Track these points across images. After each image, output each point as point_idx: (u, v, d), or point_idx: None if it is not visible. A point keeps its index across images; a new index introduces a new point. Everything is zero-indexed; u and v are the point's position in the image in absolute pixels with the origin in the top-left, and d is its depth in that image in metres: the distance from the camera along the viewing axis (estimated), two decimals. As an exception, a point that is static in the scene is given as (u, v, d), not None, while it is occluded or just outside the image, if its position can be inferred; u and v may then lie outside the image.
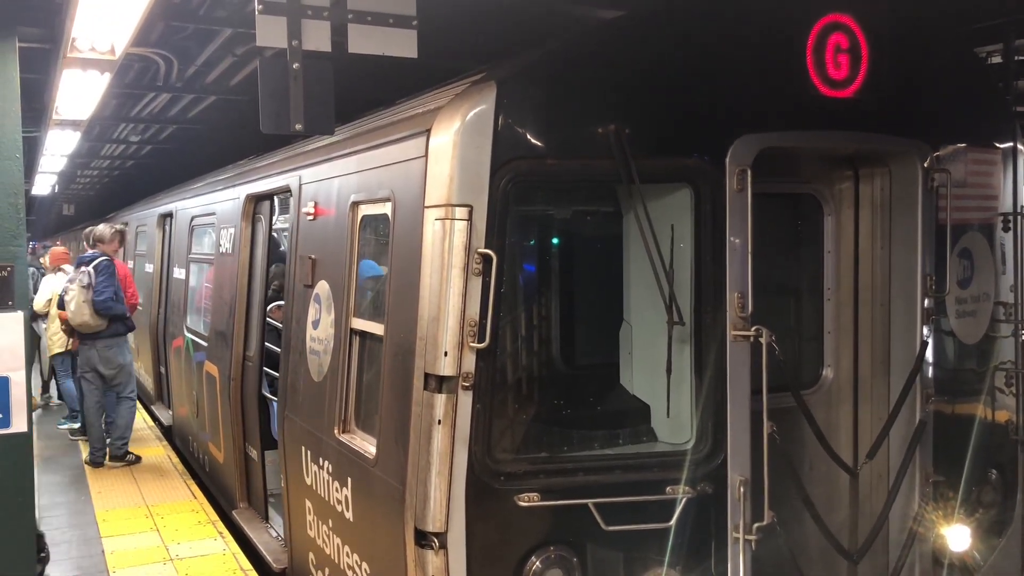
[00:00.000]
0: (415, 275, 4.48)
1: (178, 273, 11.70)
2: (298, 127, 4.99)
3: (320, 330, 5.98)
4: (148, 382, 14.32)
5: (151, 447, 11.57)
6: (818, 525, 4.82)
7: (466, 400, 4.27)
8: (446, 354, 4.26)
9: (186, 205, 11.74)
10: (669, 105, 4.65)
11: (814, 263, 5.56)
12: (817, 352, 5.57)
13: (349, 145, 5.86)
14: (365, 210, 5.49)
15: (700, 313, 4.60)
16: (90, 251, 11.01)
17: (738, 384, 4.60)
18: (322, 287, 6.01)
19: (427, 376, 4.34)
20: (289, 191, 7.06)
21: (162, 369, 13.09)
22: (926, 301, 5.13)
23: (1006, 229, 5.59)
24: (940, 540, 5.24)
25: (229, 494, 8.78)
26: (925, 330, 5.13)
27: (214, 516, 8.83)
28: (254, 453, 8.10)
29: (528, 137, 4.38)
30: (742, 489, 4.56)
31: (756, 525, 4.56)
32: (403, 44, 5.34)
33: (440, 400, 4.27)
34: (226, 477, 8.86)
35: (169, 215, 12.95)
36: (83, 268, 10.52)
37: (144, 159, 18.27)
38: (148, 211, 15.39)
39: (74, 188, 27.74)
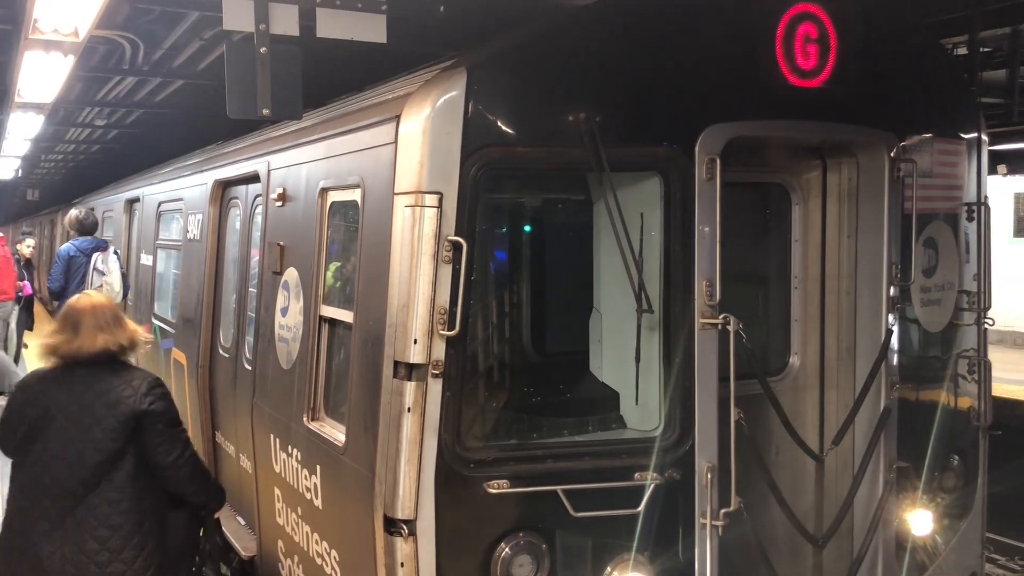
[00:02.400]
0: (385, 262, 4.45)
1: (145, 259, 11.56)
2: (265, 112, 4.98)
3: (289, 317, 5.93)
4: None
5: None
6: (784, 510, 4.87)
7: (436, 388, 4.27)
8: (416, 342, 4.24)
9: (153, 191, 11.56)
10: (639, 93, 4.65)
11: (781, 252, 5.60)
12: (784, 340, 5.62)
13: (319, 131, 5.80)
14: (334, 196, 5.44)
15: (669, 301, 4.62)
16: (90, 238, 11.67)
17: (706, 371, 4.63)
18: (291, 274, 5.96)
19: (396, 364, 4.32)
20: (258, 177, 6.98)
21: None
22: (891, 289, 5.19)
23: (970, 219, 5.66)
24: (903, 525, 5.32)
25: None
26: (890, 318, 5.19)
27: None
28: (223, 441, 8.05)
29: (499, 124, 4.36)
30: (709, 475, 4.60)
31: (723, 511, 4.61)
32: (372, 29, 5.38)
33: (409, 388, 4.26)
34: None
35: (136, 200, 12.74)
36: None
37: (110, 144, 18.07)
38: (114, 196, 15.14)
39: (38, 173, 27.40)
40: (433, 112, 4.28)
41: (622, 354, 4.79)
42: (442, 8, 7.06)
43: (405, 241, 4.31)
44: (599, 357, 5.00)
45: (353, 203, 5.09)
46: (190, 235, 8.89)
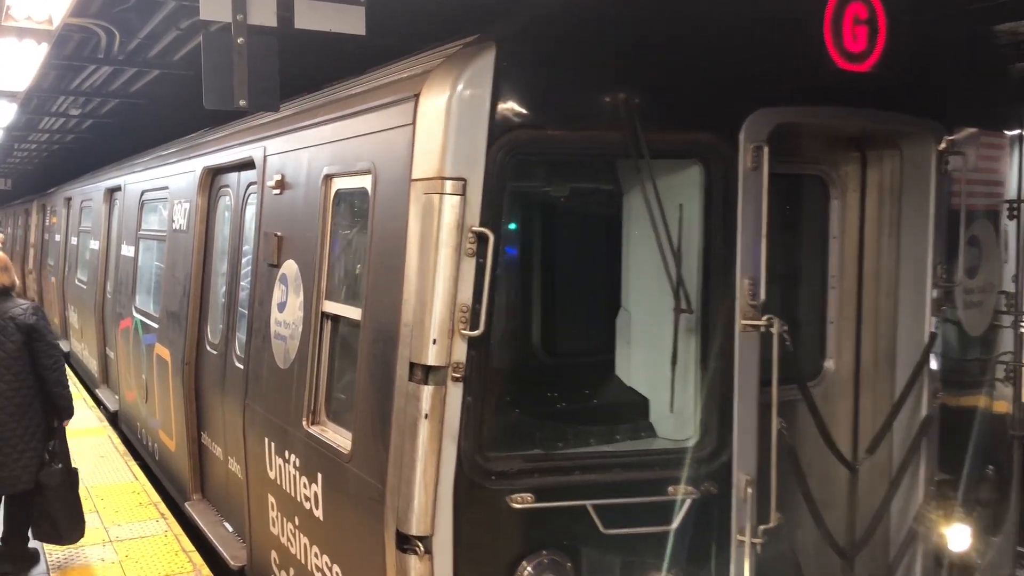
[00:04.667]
0: (399, 255, 4.08)
1: (126, 250, 11.09)
2: (242, 103, 4.90)
3: (287, 313, 5.57)
4: (93, 364, 13.65)
5: (92, 429, 11.24)
6: (817, 524, 4.56)
7: (456, 392, 3.90)
8: (434, 342, 3.87)
9: (136, 179, 11.10)
10: (681, 74, 4.28)
11: (818, 249, 5.27)
12: (819, 343, 5.29)
13: (322, 113, 5.44)
14: (340, 184, 5.08)
15: (708, 300, 4.27)
16: None
17: (747, 377, 4.29)
18: (289, 267, 5.58)
19: (412, 366, 3.94)
20: (252, 163, 6.56)
21: (108, 351, 12.51)
22: (935, 291, 4.89)
23: (1011, 217, 5.39)
24: (941, 539, 5.03)
25: (181, 484, 8.27)
26: (934, 321, 4.89)
27: (156, 498, 8.62)
28: (210, 443, 7.62)
29: (529, 104, 3.97)
30: (748, 489, 4.26)
31: (762, 527, 4.27)
32: (350, 20, 5.31)
33: (427, 392, 3.89)
34: (178, 467, 8.34)
35: (117, 189, 12.31)
36: None
37: (85, 133, 17.76)
38: (94, 185, 14.62)
39: (11, 162, 27.03)
40: (458, 90, 3.90)
41: (654, 357, 4.44)
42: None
43: (423, 232, 3.94)
44: (627, 360, 4.65)
45: (362, 191, 4.73)
46: (176, 225, 8.47)
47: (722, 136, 4.24)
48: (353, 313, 4.72)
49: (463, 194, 3.87)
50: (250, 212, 6.93)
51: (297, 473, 5.22)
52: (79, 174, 18.86)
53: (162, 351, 8.70)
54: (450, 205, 3.87)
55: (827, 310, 5.24)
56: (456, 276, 3.87)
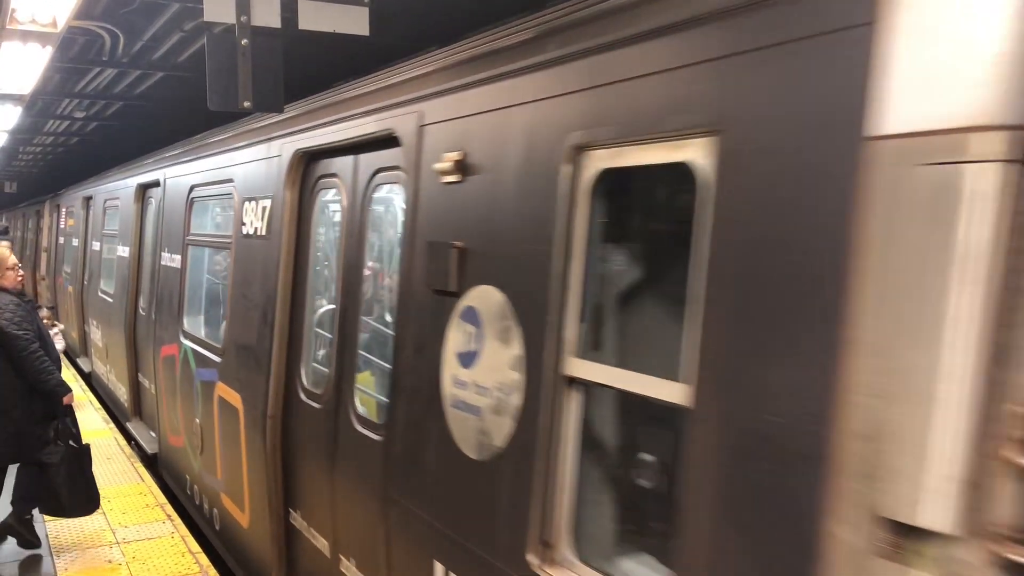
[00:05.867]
0: (806, 283, 2.26)
1: (169, 260, 9.10)
2: (246, 104, 4.92)
3: (482, 370, 3.66)
4: (121, 392, 11.67)
5: (98, 431, 11.18)
6: None
7: None
8: (937, 491, 1.92)
9: (182, 171, 9.05)
10: None
11: None
12: None
13: (579, 38, 3.27)
14: (610, 158, 3.09)
15: None
16: None
17: None
18: (483, 297, 3.69)
19: (890, 524, 1.99)
20: (392, 140, 4.59)
21: (142, 379, 10.60)
22: None
23: None
24: None
25: (256, 571, 6.63)
26: None
27: (163, 499, 8.66)
28: (307, 529, 5.72)
29: None
30: None
31: None
32: (354, 21, 5.31)
33: None
34: (254, 551, 6.62)
35: (153, 185, 10.41)
36: None
37: (90, 136, 17.87)
38: (121, 182, 12.58)
39: (16, 165, 27.12)
40: None
41: None
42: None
43: (919, 242, 1.97)
44: None
45: (689, 168, 2.72)
46: (248, 229, 6.62)
47: None
48: (658, 390, 2.82)
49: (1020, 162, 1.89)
50: (379, 210, 5.37)
51: None
52: (83, 177, 18.28)
53: (228, 393, 6.86)
54: (993, 184, 1.87)
55: None
56: (1007, 339, 1.89)
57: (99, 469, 9.30)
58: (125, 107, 13.72)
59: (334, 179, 5.57)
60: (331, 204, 5.88)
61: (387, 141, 4.69)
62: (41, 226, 23.48)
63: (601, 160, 3.14)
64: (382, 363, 5.30)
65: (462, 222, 3.92)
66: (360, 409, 5.04)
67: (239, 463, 6.61)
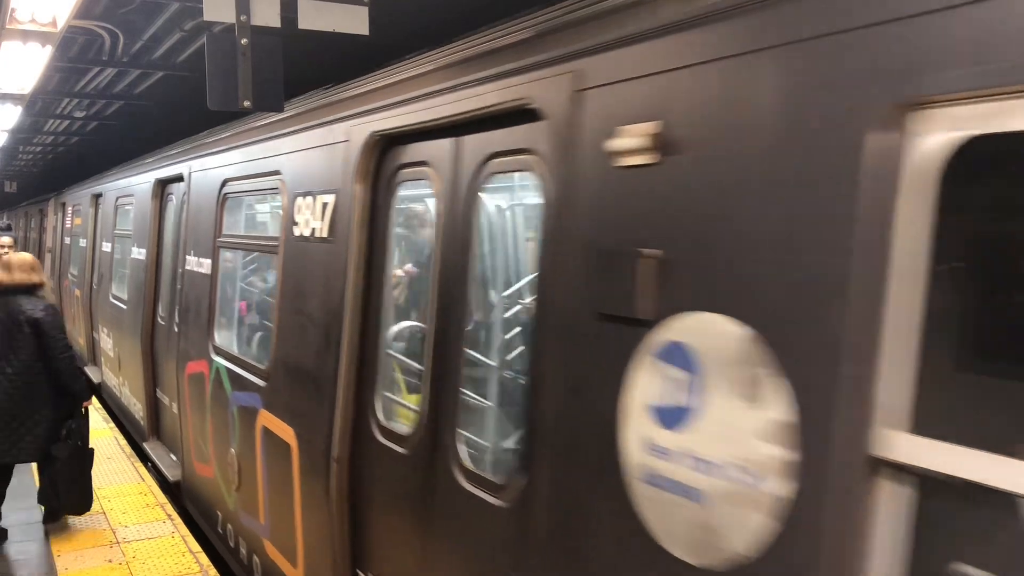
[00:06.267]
0: None
1: (195, 264, 8.01)
2: (246, 104, 4.90)
3: (700, 435, 2.48)
4: (137, 409, 10.57)
5: (98, 431, 11.08)
6: None
7: None
8: None
9: (211, 164, 7.91)
10: None
11: None
12: None
13: None
14: (971, 120, 1.91)
15: None
16: None
17: None
18: (703, 330, 2.52)
19: None
20: (525, 112, 3.41)
21: (161, 396, 9.60)
22: None
23: None
24: None
25: None
26: None
27: (163, 499, 8.65)
28: None
29: None
30: None
31: None
32: (354, 21, 5.29)
33: None
34: None
35: (175, 180, 9.27)
36: None
37: (90, 136, 17.91)
38: (136, 178, 11.37)
39: (16, 164, 27.15)
40: None
41: None
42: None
43: None
44: None
45: None
46: (301, 230, 5.56)
47: None
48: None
49: None
50: (490, 210, 4.50)
51: None
52: (83, 177, 17.99)
53: (275, 425, 5.76)
54: None
55: None
56: None
57: (99, 469, 9.14)
58: (125, 107, 13.75)
59: (423, 168, 4.39)
60: (415, 204, 5.08)
61: (509, 117, 3.59)
62: (45, 225, 22.45)
63: (960, 122, 1.94)
64: (487, 402, 4.53)
65: (656, 222, 2.71)
66: (466, 462, 3.87)
67: (291, 509, 5.51)
